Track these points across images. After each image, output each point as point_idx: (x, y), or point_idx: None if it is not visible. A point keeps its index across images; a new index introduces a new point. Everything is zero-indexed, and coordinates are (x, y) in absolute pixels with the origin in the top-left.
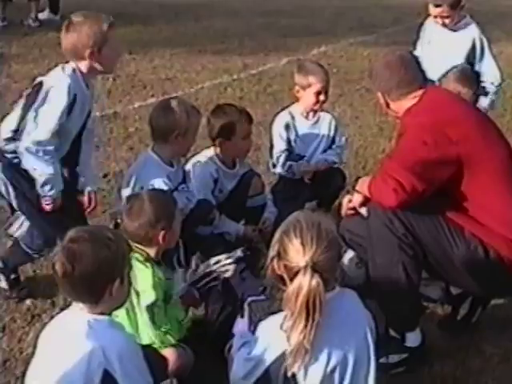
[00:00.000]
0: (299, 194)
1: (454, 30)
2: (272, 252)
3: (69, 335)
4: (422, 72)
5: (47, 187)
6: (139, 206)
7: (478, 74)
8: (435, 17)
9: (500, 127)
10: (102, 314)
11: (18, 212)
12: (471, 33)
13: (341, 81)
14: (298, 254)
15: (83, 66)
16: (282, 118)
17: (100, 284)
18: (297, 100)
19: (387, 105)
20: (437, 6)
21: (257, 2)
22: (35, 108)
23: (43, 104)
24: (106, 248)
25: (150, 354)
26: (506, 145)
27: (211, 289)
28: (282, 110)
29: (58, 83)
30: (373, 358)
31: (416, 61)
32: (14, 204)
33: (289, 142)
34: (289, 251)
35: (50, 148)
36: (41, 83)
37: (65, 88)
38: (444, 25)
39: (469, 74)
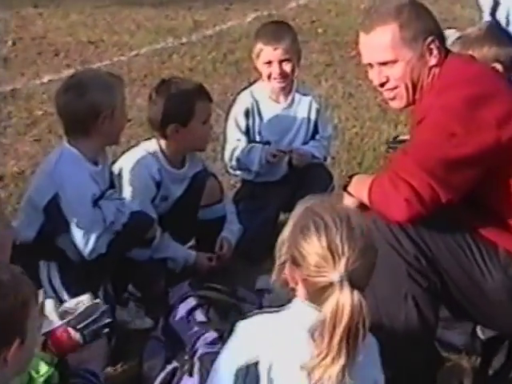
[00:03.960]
0: (270, 202)
1: None
2: (282, 257)
3: None
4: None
5: None
6: None
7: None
8: None
9: None
10: None
11: None
12: None
13: (329, 45)
14: (327, 262)
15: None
16: (242, 102)
17: None
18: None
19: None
20: None
21: None
22: None
23: None
24: None
25: None
26: None
27: (99, 332)
28: (246, 88)
29: None
30: None
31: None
32: None
33: (248, 132)
34: (311, 259)
35: None
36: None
37: None
38: None
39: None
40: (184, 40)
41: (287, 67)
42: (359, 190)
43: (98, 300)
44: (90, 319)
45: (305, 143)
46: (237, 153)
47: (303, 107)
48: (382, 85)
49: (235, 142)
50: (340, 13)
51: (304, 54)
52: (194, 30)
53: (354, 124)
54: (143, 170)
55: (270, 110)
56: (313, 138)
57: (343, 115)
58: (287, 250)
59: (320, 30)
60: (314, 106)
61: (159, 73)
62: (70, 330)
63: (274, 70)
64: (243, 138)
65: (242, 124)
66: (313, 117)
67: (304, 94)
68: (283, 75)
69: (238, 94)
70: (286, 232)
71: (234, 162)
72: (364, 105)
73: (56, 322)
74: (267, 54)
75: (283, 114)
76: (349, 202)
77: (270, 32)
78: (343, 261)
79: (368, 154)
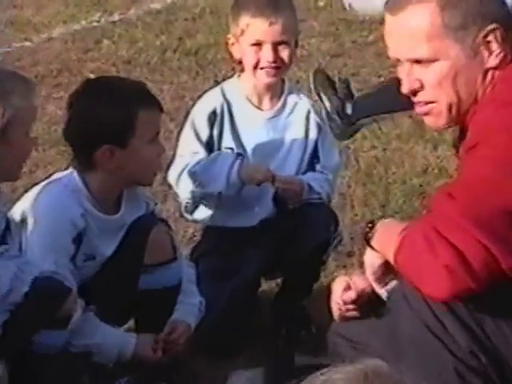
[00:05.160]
0: (246, 262)
1: None
2: None
3: None
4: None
5: None
6: None
7: None
8: None
9: None
10: None
11: None
12: None
13: (336, 24)
14: None
15: None
16: (207, 101)
17: None
18: (241, 69)
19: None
20: None
21: None
22: None
23: None
24: None
25: None
26: None
27: None
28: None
29: None
30: None
31: None
32: None
33: (210, 145)
34: None
35: None
36: None
37: None
38: None
39: None
40: (117, 17)
41: (284, 53)
42: (384, 244)
43: None
44: None
45: (299, 174)
46: (191, 166)
47: (298, 120)
48: (414, 93)
49: (190, 155)
50: None
51: (299, 38)
52: (133, 2)
53: (374, 145)
54: (58, 215)
55: (249, 118)
56: (311, 167)
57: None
58: None
59: (322, 3)
60: (314, 118)
61: (81, 66)
62: None
63: (265, 54)
64: (202, 152)
65: (204, 132)
66: (312, 135)
67: (299, 101)
68: (277, 64)
69: (200, 97)
70: None
71: (184, 180)
72: (389, 116)
73: None
74: (258, 30)
75: (267, 127)
76: (371, 259)
77: (262, 0)
78: None
79: (394, 190)
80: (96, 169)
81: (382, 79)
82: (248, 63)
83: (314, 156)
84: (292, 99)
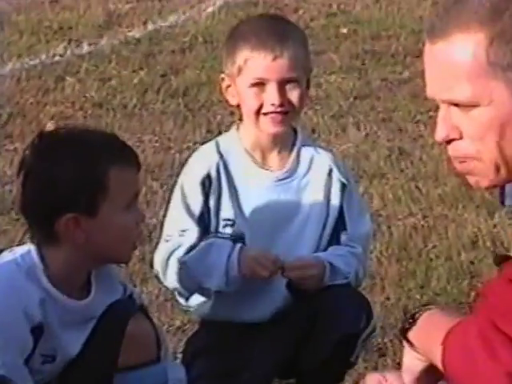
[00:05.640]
0: (254, 363)
1: None
2: None
3: None
4: None
5: None
6: None
7: None
8: None
9: None
10: None
11: None
12: None
13: (361, 57)
14: None
15: None
16: (199, 162)
17: None
18: (239, 117)
19: None
20: None
21: None
22: None
23: None
24: None
25: None
26: None
27: None
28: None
29: None
30: None
31: None
32: None
33: (205, 218)
34: None
35: None
36: None
37: None
38: None
39: None
40: (86, 48)
41: (293, 93)
42: (428, 342)
43: None
44: None
45: (319, 249)
46: (180, 252)
47: (316, 179)
48: (449, 142)
49: (178, 236)
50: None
51: (315, 74)
52: (105, 29)
53: (412, 209)
54: (8, 305)
55: (253, 180)
56: (335, 238)
57: (390, 192)
58: None
59: (344, 30)
60: (337, 177)
61: (38, 111)
62: None
63: (269, 96)
64: (195, 230)
65: (196, 204)
66: (335, 199)
67: (316, 155)
68: (285, 108)
69: (192, 151)
70: None
71: (171, 270)
72: (430, 172)
73: None
74: (259, 66)
75: (277, 191)
76: (411, 361)
77: (264, 29)
78: None
79: (437, 268)
80: (58, 243)
81: (422, 129)
82: (248, 109)
83: (339, 224)
84: (307, 153)
